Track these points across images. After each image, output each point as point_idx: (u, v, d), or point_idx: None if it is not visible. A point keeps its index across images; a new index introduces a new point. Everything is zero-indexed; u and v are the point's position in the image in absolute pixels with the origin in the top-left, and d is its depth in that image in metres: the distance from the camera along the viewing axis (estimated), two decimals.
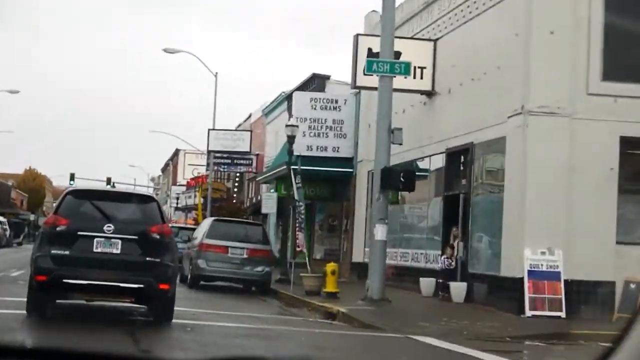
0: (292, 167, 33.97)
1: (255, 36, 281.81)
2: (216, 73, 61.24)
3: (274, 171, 43.69)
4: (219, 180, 77.18)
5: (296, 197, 32.32)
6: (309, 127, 40.21)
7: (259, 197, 64.46)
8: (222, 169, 67.05)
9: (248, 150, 60.72)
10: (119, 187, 72.41)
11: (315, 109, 40.61)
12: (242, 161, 64.74)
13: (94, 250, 16.41)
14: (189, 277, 32.06)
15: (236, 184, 74.43)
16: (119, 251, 16.51)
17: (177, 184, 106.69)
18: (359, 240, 38.90)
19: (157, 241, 16.80)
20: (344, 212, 42.35)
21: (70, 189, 19.12)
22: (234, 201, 68.07)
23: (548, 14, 23.75)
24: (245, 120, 74.55)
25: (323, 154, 40.20)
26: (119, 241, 16.51)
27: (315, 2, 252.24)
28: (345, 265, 38.17)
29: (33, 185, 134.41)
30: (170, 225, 53.67)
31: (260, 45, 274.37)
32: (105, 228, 16.47)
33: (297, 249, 31.08)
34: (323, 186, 43.00)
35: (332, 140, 40.56)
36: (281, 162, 41.50)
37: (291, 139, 36.81)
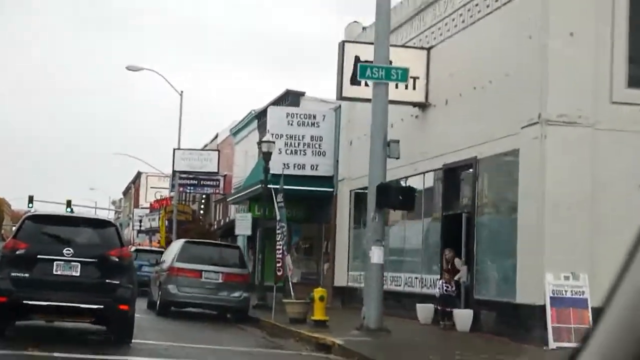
0: (273, 186, 31.36)
1: (220, 60, 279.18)
2: (181, 92, 58.66)
3: (247, 191, 40.81)
4: (183, 202, 74.24)
5: (278, 217, 29.60)
6: (285, 144, 37.55)
7: (227, 219, 61.69)
8: (188, 190, 64.13)
9: (216, 170, 57.88)
10: (78, 212, 69.93)
11: (291, 124, 37.98)
12: (208, 182, 62.04)
13: (54, 272, 16.62)
14: (158, 303, 29.26)
15: (202, 206, 71.59)
16: (78, 274, 16.73)
17: (140, 207, 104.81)
18: (342, 263, 36.28)
19: (116, 264, 17.11)
20: (323, 234, 39.65)
21: (29, 214, 19.55)
22: (201, 223, 65.17)
23: (567, 14, 21.28)
24: (211, 141, 71.63)
25: (301, 172, 37.50)
26: (79, 264, 16.77)
27: (285, 26, 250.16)
28: (327, 290, 35.39)
29: None
30: (135, 247, 50.76)
31: (225, 68, 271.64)
32: (64, 251, 16.73)
33: (279, 274, 28.29)
34: (300, 207, 40.30)
35: (310, 158, 37.91)
36: (255, 181, 38.81)
37: (267, 156, 34.28)
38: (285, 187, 33.78)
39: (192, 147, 60.59)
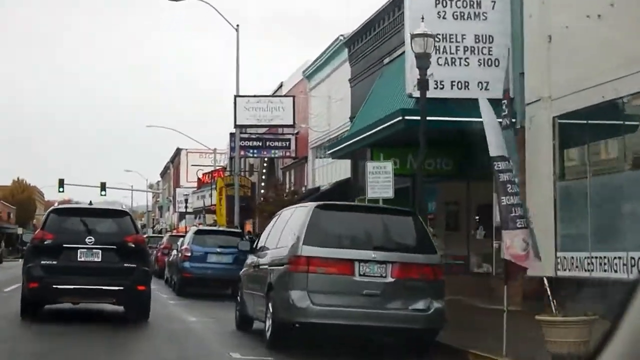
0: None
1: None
2: (237, 26, 45.01)
3: (378, 128, 25.71)
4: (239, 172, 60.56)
5: (505, 152, 15.63)
6: (436, 50, 23.42)
7: (304, 189, 47.77)
8: (250, 154, 50.13)
9: (291, 122, 43.73)
10: (99, 202, 62.81)
11: (444, 18, 23.84)
12: (276, 143, 48.23)
13: (78, 259, 18.42)
14: (270, 325, 15.24)
15: (263, 177, 57.74)
16: (100, 259, 18.51)
17: (181, 186, 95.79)
18: (542, 239, 22.11)
19: (133, 249, 18.81)
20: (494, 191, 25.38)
21: (53, 208, 21.38)
22: (264, 196, 51.37)
23: None
24: (275, 92, 57.23)
25: (464, 94, 23.34)
26: (100, 251, 18.55)
27: None
28: (510, 283, 21.17)
29: (22, 197, 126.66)
30: (196, 228, 40.59)
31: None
32: (86, 240, 18.53)
33: (522, 264, 14.23)
34: (450, 153, 26.57)
35: (477, 71, 23.67)
36: (393, 113, 24.61)
37: (423, 61, 20.76)
38: (433, 118, 21.03)
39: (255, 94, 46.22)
